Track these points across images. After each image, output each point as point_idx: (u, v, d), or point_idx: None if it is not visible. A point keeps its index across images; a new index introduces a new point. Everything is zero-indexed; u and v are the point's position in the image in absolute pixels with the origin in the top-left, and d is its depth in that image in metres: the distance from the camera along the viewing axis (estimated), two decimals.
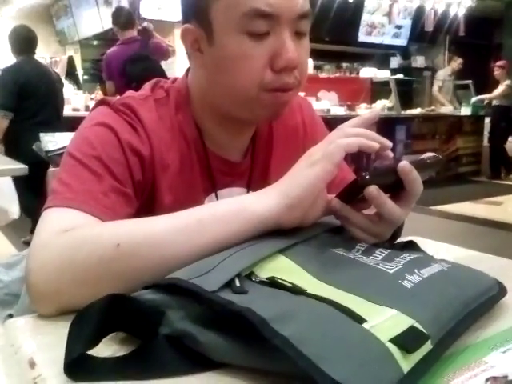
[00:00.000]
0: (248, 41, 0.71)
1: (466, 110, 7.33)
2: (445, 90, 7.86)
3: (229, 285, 0.49)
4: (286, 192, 0.61)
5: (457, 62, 7.81)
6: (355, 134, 0.63)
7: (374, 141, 0.62)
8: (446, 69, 8.10)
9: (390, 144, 0.65)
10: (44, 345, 0.51)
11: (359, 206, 0.65)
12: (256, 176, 0.88)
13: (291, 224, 0.61)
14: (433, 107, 7.65)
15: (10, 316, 0.92)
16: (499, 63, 7.11)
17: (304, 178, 0.61)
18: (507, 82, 6.97)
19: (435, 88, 7.93)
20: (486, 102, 7.30)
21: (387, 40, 8.92)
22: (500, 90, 7.05)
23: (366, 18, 8.40)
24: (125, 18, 4.26)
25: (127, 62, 3.96)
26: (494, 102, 7.14)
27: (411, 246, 0.67)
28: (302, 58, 0.74)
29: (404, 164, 0.60)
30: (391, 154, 0.65)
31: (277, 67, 0.72)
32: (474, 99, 7.38)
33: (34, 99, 3.60)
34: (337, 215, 0.66)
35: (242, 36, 0.71)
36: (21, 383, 0.45)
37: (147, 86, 0.86)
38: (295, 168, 0.63)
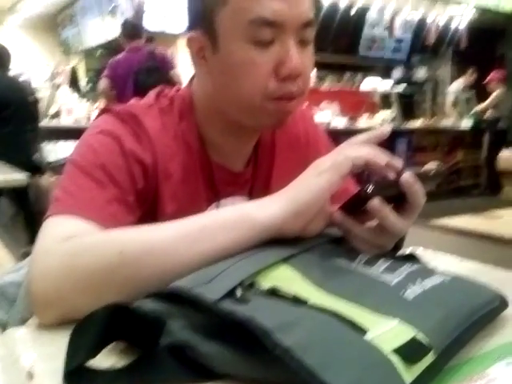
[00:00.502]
0: (253, 49, 0.72)
1: (467, 123, 7.33)
2: (459, 104, 7.81)
3: (231, 294, 0.48)
4: (294, 198, 0.61)
5: (472, 77, 7.76)
6: (364, 150, 0.63)
7: (383, 160, 0.62)
8: (458, 82, 8.06)
9: (399, 165, 0.64)
10: (44, 355, 0.51)
11: (362, 218, 0.65)
12: (258, 185, 0.89)
13: (294, 233, 0.61)
14: (434, 118, 7.65)
15: None
16: (493, 74, 7.11)
17: (310, 187, 0.61)
18: (495, 92, 6.98)
19: (449, 101, 7.87)
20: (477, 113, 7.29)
21: (387, 54, 8.94)
22: (488, 101, 7.05)
23: (366, 32, 8.43)
24: (132, 29, 4.35)
25: (139, 72, 4.01)
26: (487, 114, 7.14)
27: (412, 259, 0.67)
28: (305, 67, 0.75)
29: (407, 176, 0.60)
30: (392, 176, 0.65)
31: (281, 75, 0.72)
32: (472, 111, 7.37)
33: (6, 112, 3.70)
34: (339, 227, 0.65)
35: (247, 44, 0.72)
36: None
37: (152, 94, 0.86)
38: (302, 176, 0.63)
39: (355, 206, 0.64)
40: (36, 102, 4.21)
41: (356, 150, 0.63)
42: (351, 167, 0.61)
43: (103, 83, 4.32)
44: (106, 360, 0.47)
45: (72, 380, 0.43)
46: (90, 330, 0.46)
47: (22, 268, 0.99)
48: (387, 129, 0.69)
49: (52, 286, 0.58)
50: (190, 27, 0.79)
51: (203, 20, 0.75)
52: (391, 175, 0.63)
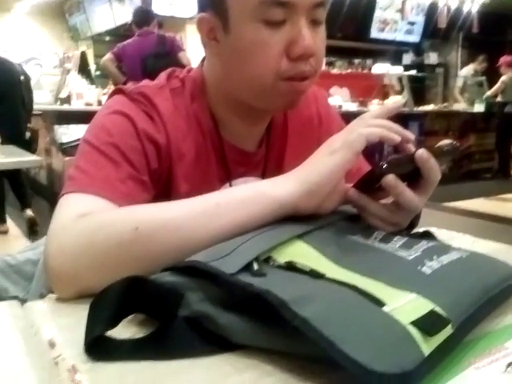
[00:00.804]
0: (264, 29, 0.71)
1: (479, 107, 7.27)
2: (467, 90, 7.75)
3: (247, 268, 0.49)
4: (306, 178, 0.61)
5: (481, 65, 7.70)
6: (377, 125, 0.62)
7: (396, 133, 0.62)
8: (468, 67, 7.98)
9: (412, 137, 0.64)
10: (63, 326, 0.52)
11: (377, 196, 0.65)
12: (270, 166, 0.88)
13: (308, 210, 0.61)
14: (446, 104, 7.59)
15: (15, 298, 0.93)
16: (504, 58, 7.03)
17: (324, 166, 0.61)
18: (503, 78, 6.91)
19: (457, 87, 7.81)
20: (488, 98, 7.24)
21: (400, 36, 8.86)
22: (496, 86, 6.99)
23: (378, 14, 8.35)
24: (142, 16, 4.42)
25: (148, 57, 4.05)
26: (498, 99, 7.09)
27: (428, 236, 0.67)
28: (318, 47, 0.74)
29: (421, 152, 0.60)
30: (413, 148, 0.65)
31: (293, 55, 0.72)
32: (484, 96, 7.31)
33: None
34: (354, 205, 0.65)
35: (259, 24, 0.71)
36: (41, 363, 0.45)
37: (163, 75, 0.86)
38: (316, 155, 0.63)
39: (370, 184, 0.63)
40: (27, 82, 4.48)
41: (369, 127, 0.62)
42: (364, 144, 0.61)
43: (107, 56, 4.48)
44: (125, 331, 0.48)
45: (92, 349, 0.44)
46: (109, 302, 0.46)
47: (37, 247, 1.01)
48: (400, 101, 0.68)
49: (69, 261, 0.58)
50: (201, 8, 0.79)
51: (214, 1, 0.75)
52: (406, 148, 0.63)
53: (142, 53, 4.16)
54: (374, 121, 0.63)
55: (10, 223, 4.15)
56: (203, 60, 0.86)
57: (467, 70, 7.92)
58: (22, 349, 0.48)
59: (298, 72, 0.73)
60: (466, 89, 7.76)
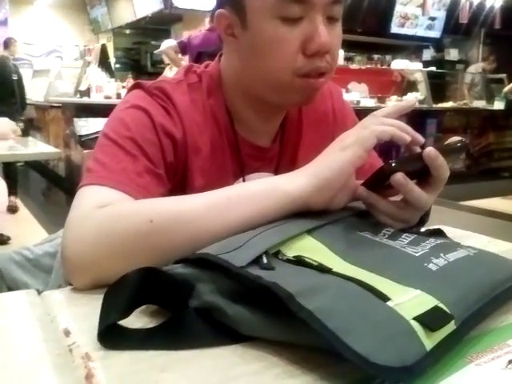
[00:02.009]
0: (281, 25, 0.72)
1: (499, 105, 7.18)
2: (476, 85, 7.68)
3: (257, 262, 0.50)
4: (316, 173, 0.62)
5: (491, 65, 7.62)
6: (390, 124, 0.63)
7: (407, 134, 0.63)
8: (478, 65, 7.91)
9: (422, 140, 0.65)
10: (78, 315, 0.54)
11: (386, 193, 0.65)
12: (284, 161, 0.90)
13: (319, 206, 0.62)
14: (465, 101, 7.51)
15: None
16: None
17: (335, 161, 0.62)
18: None
19: (465, 84, 7.75)
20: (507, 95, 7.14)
21: (420, 32, 8.78)
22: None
23: (399, 9, 8.28)
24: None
25: (204, 54, 4.11)
26: None
27: (438, 234, 0.67)
28: (334, 43, 0.75)
29: (429, 150, 0.61)
30: (419, 150, 0.66)
31: (309, 51, 0.73)
32: (504, 91, 7.21)
33: None
34: (364, 202, 0.66)
35: (276, 21, 0.72)
36: (57, 349, 0.47)
37: (181, 70, 0.88)
38: (327, 151, 0.64)
39: (380, 182, 0.64)
40: (19, 80, 5.10)
41: (381, 125, 0.63)
42: (376, 142, 0.62)
43: (171, 43, 4.73)
44: (137, 321, 0.50)
45: (105, 337, 0.46)
46: (123, 292, 0.48)
47: (55, 238, 1.03)
48: (413, 100, 0.69)
49: (87, 250, 0.60)
50: (219, 5, 0.80)
51: None
52: (415, 149, 0.63)
53: (202, 47, 4.20)
54: (387, 120, 0.64)
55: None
56: (221, 55, 0.88)
57: (475, 68, 7.85)
58: (38, 335, 0.50)
59: (313, 68, 0.74)
60: (473, 86, 7.69)
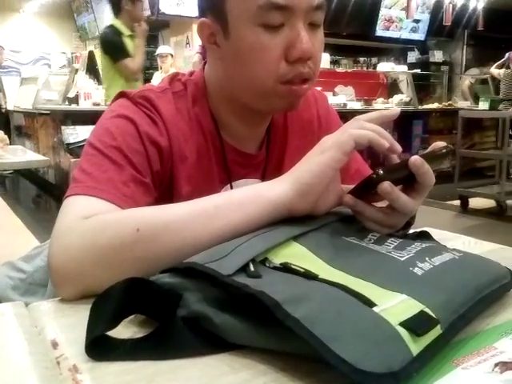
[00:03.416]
0: (263, 33, 0.72)
1: (483, 105, 7.24)
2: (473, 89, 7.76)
3: (244, 269, 0.50)
4: (297, 178, 0.62)
5: (487, 74, 7.69)
6: (369, 129, 0.63)
7: (385, 139, 0.63)
8: (475, 70, 8.00)
9: (399, 149, 0.65)
10: (66, 326, 0.54)
11: (373, 199, 0.66)
12: (271, 168, 0.90)
13: (303, 211, 0.63)
14: (450, 102, 7.57)
15: None
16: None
17: (314, 165, 0.62)
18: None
19: (466, 83, 7.78)
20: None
21: (405, 34, 8.85)
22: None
23: (383, 13, 8.34)
24: None
25: None
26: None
27: (424, 237, 0.68)
28: (316, 49, 0.75)
29: (415, 159, 0.61)
30: (397, 159, 0.66)
31: (291, 58, 0.73)
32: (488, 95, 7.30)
33: None
34: (351, 210, 0.67)
35: (258, 28, 0.72)
36: (44, 361, 0.47)
37: (166, 78, 0.88)
38: (308, 155, 0.65)
39: (366, 189, 0.65)
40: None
41: (360, 129, 0.63)
42: (354, 145, 0.62)
43: (194, 58, 4.96)
44: (125, 331, 0.50)
45: (93, 349, 0.46)
46: (110, 303, 0.48)
47: (43, 252, 1.02)
48: (396, 110, 0.70)
49: (73, 261, 0.60)
50: (201, 13, 0.80)
51: (213, 6, 0.76)
52: (393, 157, 0.64)
53: None
54: (367, 124, 0.64)
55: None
56: (205, 63, 0.88)
57: (480, 69, 7.94)
58: (25, 348, 0.49)
59: (296, 74, 0.75)
60: (472, 88, 7.76)
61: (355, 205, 0.65)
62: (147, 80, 5.87)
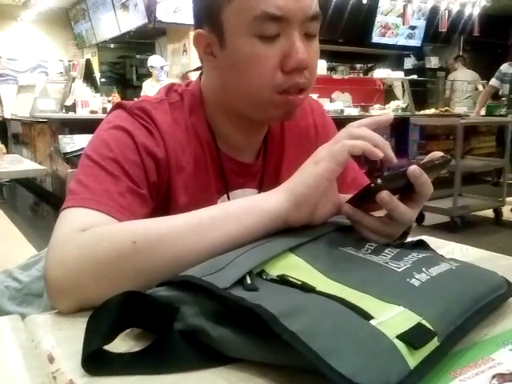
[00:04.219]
0: (259, 43, 0.73)
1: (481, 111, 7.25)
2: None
3: (240, 282, 0.50)
4: (292, 190, 0.63)
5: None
6: (361, 136, 0.63)
7: (379, 147, 0.62)
8: (471, 74, 8.00)
9: (394, 160, 0.64)
10: (62, 340, 0.53)
11: (371, 207, 0.66)
12: (268, 177, 0.90)
13: (300, 222, 0.63)
14: (446, 107, 7.58)
15: None
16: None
17: (308, 176, 0.62)
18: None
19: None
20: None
21: (401, 41, 8.88)
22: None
23: (379, 19, 8.37)
24: None
25: None
26: None
27: (421, 246, 0.68)
28: (311, 59, 0.76)
29: (414, 169, 0.61)
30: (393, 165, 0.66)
31: (287, 68, 0.74)
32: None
33: None
34: (349, 219, 0.67)
35: (253, 39, 0.73)
36: (41, 376, 0.46)
37: (162, 89, 0.88)
38: (302, 166, 0.65)
39: (365, 199, 0.65)
40: None
41: (353, 139, 0.63)
42: (348, 155, 0.62)
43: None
44: (122, 344, 0.50)
45: (90, 363, 0.46)
46: (106, 316, 0.48)
47: (39, 261, 1.02)
48: (390, 115, 0.70)
49: (69, 273, 0.60)
50: (197, 24, 0.81)
51: (209, 17, 0.77)
52: (384, 167, 0.64)
53: None
54: (359, 132, 0.64)
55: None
56: (201, 74, 0.88)
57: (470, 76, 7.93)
58: (21, 363, 0.49)
59: (292, 84, 0.75)
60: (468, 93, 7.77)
61: (353, 214, 0.65)
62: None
